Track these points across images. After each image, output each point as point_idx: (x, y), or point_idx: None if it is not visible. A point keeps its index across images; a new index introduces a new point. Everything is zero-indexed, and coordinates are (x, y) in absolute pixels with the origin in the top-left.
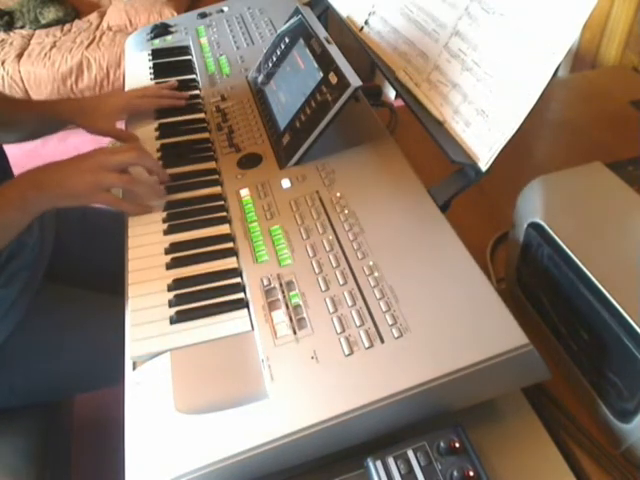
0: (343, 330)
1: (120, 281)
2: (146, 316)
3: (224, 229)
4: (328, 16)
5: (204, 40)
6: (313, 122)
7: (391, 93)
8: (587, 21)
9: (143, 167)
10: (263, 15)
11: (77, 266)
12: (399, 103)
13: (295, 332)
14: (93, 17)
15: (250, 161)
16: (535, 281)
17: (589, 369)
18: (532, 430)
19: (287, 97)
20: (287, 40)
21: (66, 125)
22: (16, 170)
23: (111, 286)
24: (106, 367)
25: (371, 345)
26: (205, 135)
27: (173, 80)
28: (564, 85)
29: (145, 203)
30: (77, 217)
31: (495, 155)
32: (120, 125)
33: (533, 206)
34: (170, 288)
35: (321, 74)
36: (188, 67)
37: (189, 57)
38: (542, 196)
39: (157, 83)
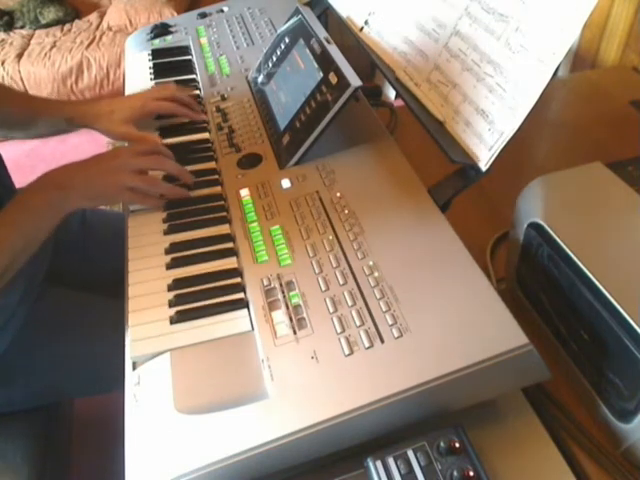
0: (343, 330)
1: (120, 283)
2: (146, 316)
3: (224, 229)
4: (328, 16)
5: (204, 40)
6: (313, 122)
7: (391, 93)
8: (587, 21)
9: (165, 172)
10: (263, 15)
11: (77, 268)
12: (399, 103)
13: (295, 332)
14: (93, 17)
15: (250, 161)
16: (535, 281)
17: (589, 369)
18: (532, 430)
19: (287, 97)
20: (287, 40)
21: (79, 129)
22: (17, 169)
23: (111, 288)
24: (106, 372)
25: (371, 345)
26: (205, 135)
27: (172, 81)
28: (564, 85)
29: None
30: (77, 219)
31: (495, 155)
32: None
33: (533, 206)
34: (170, 288)
35: (321, 74)
36: (188, 67)
37: (189, 57)
38: (542, 196)
39: (157, 83)
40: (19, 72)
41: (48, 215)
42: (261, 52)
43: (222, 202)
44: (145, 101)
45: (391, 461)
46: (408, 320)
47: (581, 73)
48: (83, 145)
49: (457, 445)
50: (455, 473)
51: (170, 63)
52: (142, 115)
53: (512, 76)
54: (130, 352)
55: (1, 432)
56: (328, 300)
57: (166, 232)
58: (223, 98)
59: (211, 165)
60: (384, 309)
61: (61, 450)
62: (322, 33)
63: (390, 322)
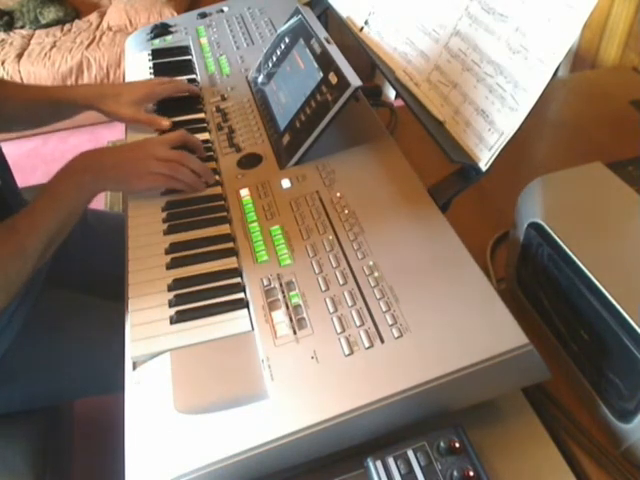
0: (343, 330)
1: (120, 284)
2: (146, 316)
3: (224, 229)
4: (328, 16)
5: (204, 40)
6: (313, 122)
7: (391, 93)
8: (587, 21)
9: (189, 168)
10: (263, 15)
11: (77, 269)
12: (399, 103)
13: (295, 332)
14: (93, 17)
15: (250, 161)
16: (535, 281)
17: (589, 369)
18: (532, 430)
19: (287, 97)
20: (287, 40)
21: (82, 111)
22: (17, 169)
23: (111, 289)
24: (106, 373)
25: (371, 345)
26: (205, 135)
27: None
28: (564, 85)
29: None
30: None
31: (495, 155)
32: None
33: (533, 206)
34: (170, 288)
35: (321, 74)
36: (188, 67)
37: (189, 57)
38: (542, 196)
39: None
40: (19, 72)
41: (81, 198)
42: (261, 52)
43: (222, 202)
44: (152, 85)
45: (391, 461)
46: (408, 320)
47: (581, 73)
48: (83, 145)
49: (457, 445)
50: (455, 473)
51: (170, 63)
52: (149, 98)
53: (512, 76)
54: (130, 352)
55: (1, 433)
56: (328, 300)
57: (166, 232)
58: (223, 98)
59: (211, 165)
60: (384, 309)
61: (61, 450)
62: (322, 33)
63: (390, 322)
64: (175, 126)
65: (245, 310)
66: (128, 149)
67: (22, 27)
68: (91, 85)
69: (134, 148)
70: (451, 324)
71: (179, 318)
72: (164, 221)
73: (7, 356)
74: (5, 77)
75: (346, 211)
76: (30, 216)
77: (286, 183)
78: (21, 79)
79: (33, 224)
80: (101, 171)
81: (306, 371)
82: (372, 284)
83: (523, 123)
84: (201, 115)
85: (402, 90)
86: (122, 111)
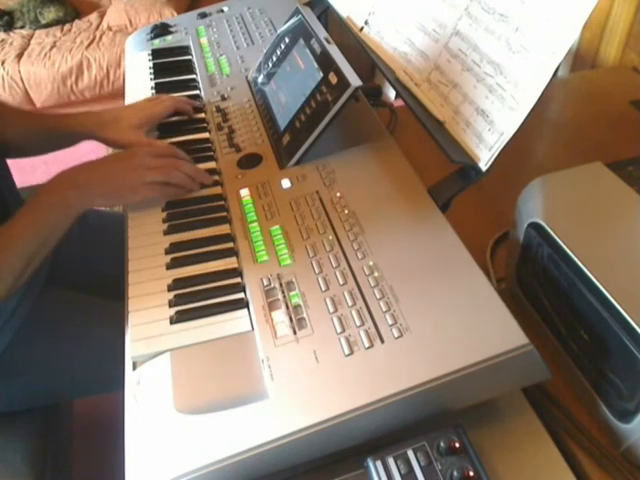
0: (343, 330)
1: (120, 283)
2: (146, 316)
3: (224, 229)
4: (328, 16)
5: (204, 40)
6: (313, 122)
7: (391, 93)
8: (587, 21)
9: (184, 173)
10: (263, 15)
11: (77, 269)
12: (399, 103)
13: (295, 332)
14: (93, 17)
15: (250, 161)
16: (535, 281)
17: (589, 369)
18: (532, 430)
19: (287, 97)
20: (287, 40)
21: (82, 140)
22: (17, 169)
23: (111, 288)
24: (106, 372)
25: (371, 345)
26: (205, 135)
27: (172, 81)
28: (564, 85)
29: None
30: (77, 219)
31: (495, 155)
32: None
33: (533, 206)
34: (170, 288)
35: (321, 74)
36: (188, 67)
37: (189, 57)
38: (542, 196)
39: (157, 83)
40: (19, 72)
41: (64, 214)
42: (261, 52)
43: (222, 202)
44: (151, 106)
45: (391, 461)
46: (408, 320)
47: (581, 73)
48: (84, 145)
49: (457, 445)
50: (455, 473)
51: (170, 63)
52: (149, 120)
53: (512, 76)
54: (130, 352)
55: (1, 432)
56: (328, 300)
57: (166, 232)
58: (223, 98)
59: (211, 165)
60: (384, 309)
61: (61, 450)
62: (322, 33)
63: (390, 322)
64: (175, 126)
65: (245, 310)
66: (114, 161)
67: (22, 27)
68: (90, 113)
69: (121, 160)
70: (451, 324)
71: (179, 318)
72: (164, 221)
73: (7, 353)
74: (5, 77)
75: (346, 211)
76: (8, 232)
77: (286, 183)
78: (21, 79)
79: (10, 241)
80: (88, 186)
81: (306, 371)
82: (372, 284)
83: (523, 123)
84: (201, 115)
85: (402, 90)
86: (123, 137)
